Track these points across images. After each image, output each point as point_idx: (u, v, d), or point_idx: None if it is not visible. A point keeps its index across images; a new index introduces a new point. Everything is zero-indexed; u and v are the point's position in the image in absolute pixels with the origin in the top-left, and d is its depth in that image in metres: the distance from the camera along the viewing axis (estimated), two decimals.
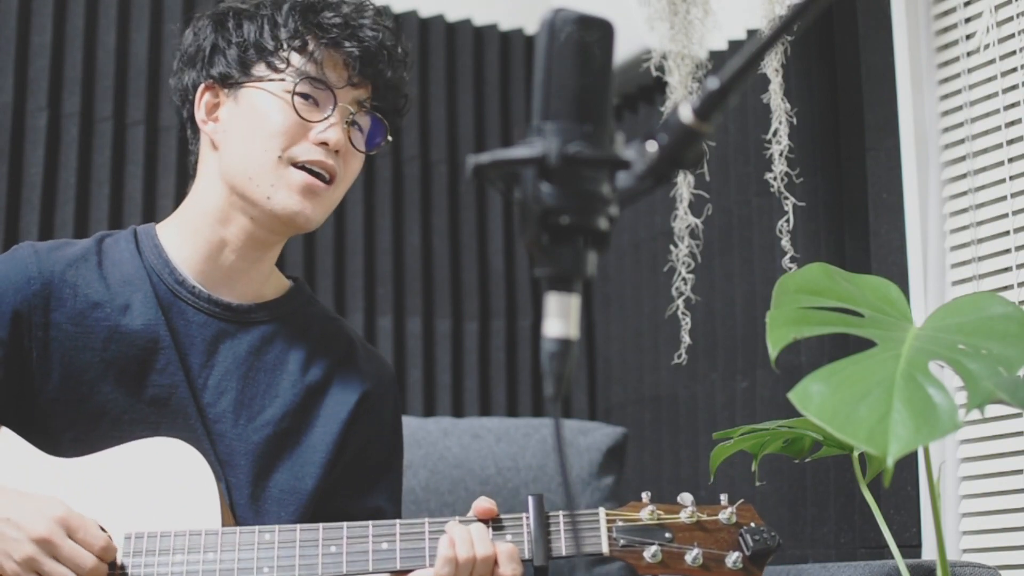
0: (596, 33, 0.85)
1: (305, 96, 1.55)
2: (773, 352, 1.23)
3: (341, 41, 1.56)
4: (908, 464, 2.02)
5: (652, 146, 0.84)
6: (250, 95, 1.56)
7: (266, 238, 1.60)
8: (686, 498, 1.47)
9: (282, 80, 1.55)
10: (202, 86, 1.60)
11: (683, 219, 2.43)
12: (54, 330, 1.52)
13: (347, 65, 1.57)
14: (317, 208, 1.56)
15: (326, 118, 1.55)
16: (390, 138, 1.64)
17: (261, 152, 1.54)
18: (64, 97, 2.52)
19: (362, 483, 1.65)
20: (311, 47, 1.56)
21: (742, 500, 1.47)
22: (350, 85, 1.57)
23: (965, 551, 2.01)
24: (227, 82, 1.58)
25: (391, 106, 1.64)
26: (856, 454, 1.49)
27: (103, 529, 1.41)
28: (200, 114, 1.60)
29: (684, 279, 2.43)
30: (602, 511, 1.45)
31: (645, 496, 1.48)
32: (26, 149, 2.48)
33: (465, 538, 1.40)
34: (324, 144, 1.54)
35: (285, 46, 1.56)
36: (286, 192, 1.54)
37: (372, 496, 1.64)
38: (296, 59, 1.56)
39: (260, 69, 1.57)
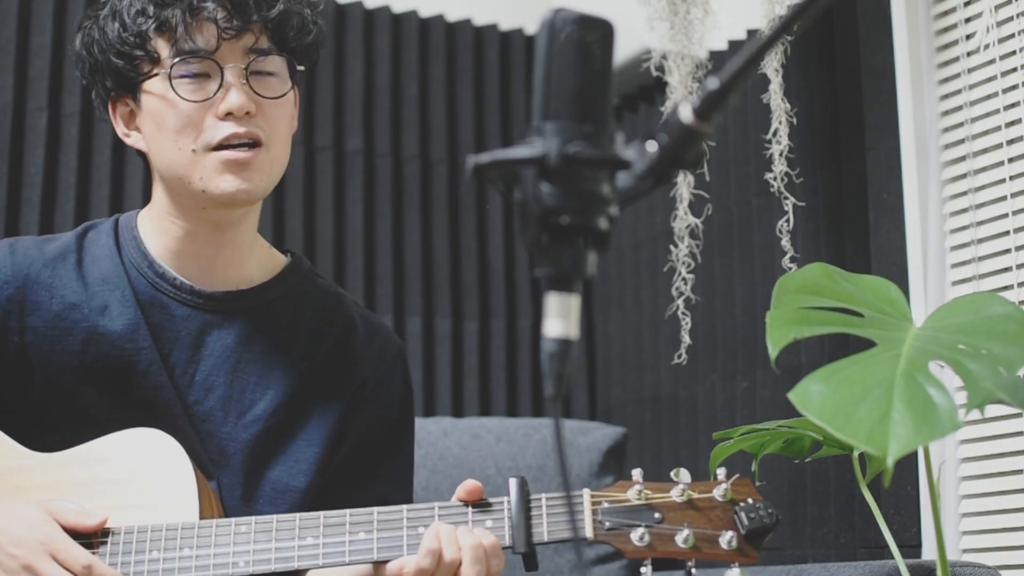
0: (596, 33, 0.85)
1: (191, 75, 1.46)
2: (773, 352, 1.23)
3: (196, 4, 1.46)
4: (908, 464, 2.02)
5: (652, 146, 0.84)
6: (146, 101, 1.50)
7: (227, 216, 1.53)
8: (683, 475, 1.38)
9: (159, 74, 1.47)
10: (109, 103, 1.55)
11: (683, 219, 2.43)
12: (30, 334, 1.49)
13: (214, 24, 1.46)
14: (254, 177, 1.48)
15: (220, 87, 1.46)
16: (301, 68, 1.54)
17: (176, 152, 1.47)
18: (64, 97, 2.52)
19: (366, 471, 1.59)
20: (172, 23, 1.46)
21: (738, 475, 1.39)
22: (227, 40, 1.47)
23: (965, 551, 2.01)
24: (126, 90, 1.52)
25: (290, 37, 1.52)
26: (856, 454, 1.49)
27: (108, 531, 1.40)
28: (121, 129, 1.55)
29: (684, 279, 2.43)
30: (587, 492, 1.37)
31: (636, 474, 1.39)
32: (26, 149, 2.47)
33: (452, 538, 1.34)
34: (230, 115, 1.46)
35: (149, 36, 1.47)
36: (216, 178, 1.46)
37: (378, 483, 1.59)
38: (163, 45, 1.47)
39: (143, 66, 1.49)
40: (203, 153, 1.46)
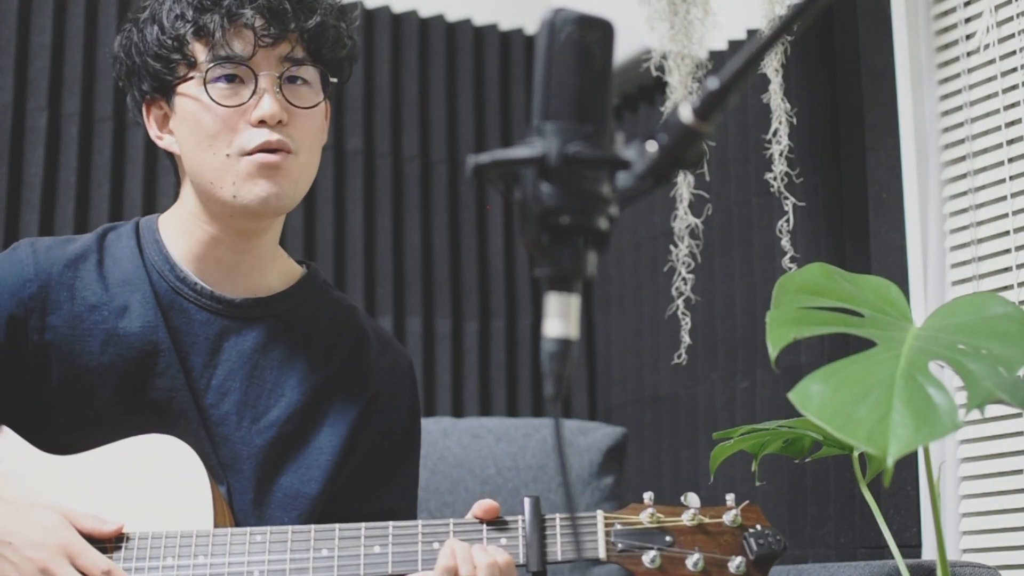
0: (596, 33, 0.85)
1: (228, 78, 1.47)
2: (773, 352, 1.23)
3: (235, 11, 1.47)
4: (908, 464, 2.02)
5: (652, 146, 0.84)
6: (181, 104, 1.51)
7: (254, 226, 1.54)
8: (692, 499, 1.41)
9: (195, 77, 1.49)
10: (144, 105, 1.55)
11: (683, 219, 2.43)
12: (50, 334, 1.50)
13: (251, 31, 1.47)
14: (284, 183, 1.49)
15: (253, 93, 1.47)
16: (334, 80, 1.55)
17: (211, 157, 1.48)
18: (64, 97, 2.52)
19: (374, 482, 1.61)
20: (210, 28, 1.47)
21: (747, 502, 1.42)
22: (263, 48, 1.48)
23: (965, 551, 2.01)
24: (162, 93, 1.53)
25: (325, 49, 1.53)
26: (856, 454, 1.49)
27: (123, 536, 1.41)
28: (154, 131, 1.56)
29: (684, 279, 2.43)
30: (600, 514, 1.40)
31: (647, 497, 1.42)
32: (26, 149, 2.48)
33: (467, 556, 1.36)
34: (263, 122, 1.47)
35: (187, 40, 1.48)
36: (248, 184, 1.48)
37: (386, 495, 1.61)
38: (200, 49, 1.49)
39: (179, 69, 1.50)
40: (236, 158, 1.48)
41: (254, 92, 1.48)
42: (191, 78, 1.49)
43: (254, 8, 1.48)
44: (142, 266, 1.55)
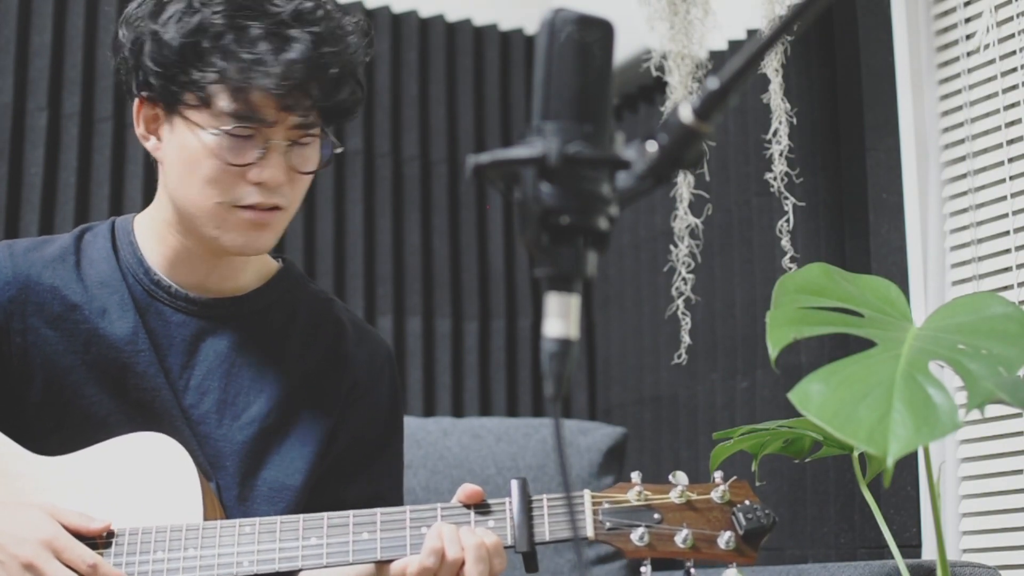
0: (596, 33, 0.85)
1: (239, 137, 1.42)
2: (773, 352, 1.23)
3: (269, 75, 1.40)
4: (908, 464, 2.02)
5: (652, 146, 0.84)
6: (180, 130, 1.45)
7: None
8: (680, 477, 1.40)
9: (207, 118, 1.42)
10: (137, 100, 1.49)
11: (683, 219, 2.43)
12: (32, 335, 1.49)
13: (277, 98, 1.41)
14: (268, 235, 1.48)
15: (261, 156, 1.43)
16: (339, 150, 1.52)
17: (200, 198, 1.45)
18: (64, 97, 2.52)
19: (356, 469, 1.61)
20: (234, 79, 1.40)
21: (735, 477, 1.41)
22: (285, 111, 1.43)
23: (965, 551, 2.01)
24: (162, 103, 1.46)
25: (340, 115, 1.51)
26: (856, 454, 1.49)
27: (112, 533, 1.41)
28: (140, 129, 1.50)
29: (684, 279, 2.43)
30: (587, 493, 1.39)
31: (635, 476, 1.41)
32: (26, 149, 2.48)
33: (455, 537, 1.36)
34: (262, 183, 1.44)
35: (206, 78, 1.41)
36: (232, 233, 1.47)
37: (368, 481, 1.61)
38: (219, 92, 1.41)
39: (187, 97, 1.43)
40: (228, 208, 1.46)
41: (263, 153, 1.44)
42: (197, 108, 1.44)
43: (285, 79, 1.40)
44: (117, 268, 1.55)
